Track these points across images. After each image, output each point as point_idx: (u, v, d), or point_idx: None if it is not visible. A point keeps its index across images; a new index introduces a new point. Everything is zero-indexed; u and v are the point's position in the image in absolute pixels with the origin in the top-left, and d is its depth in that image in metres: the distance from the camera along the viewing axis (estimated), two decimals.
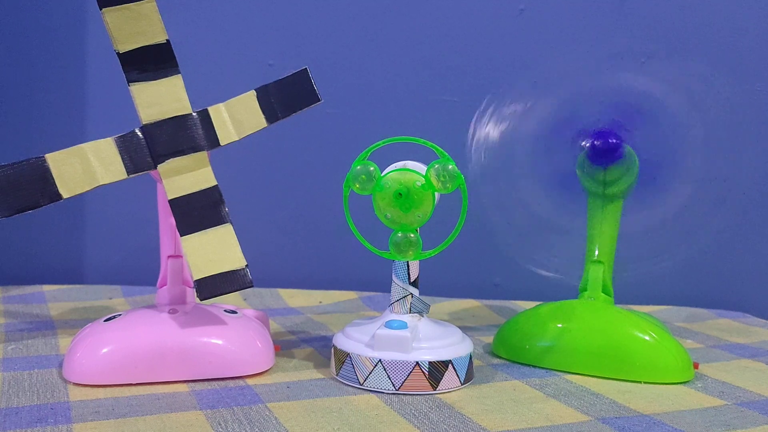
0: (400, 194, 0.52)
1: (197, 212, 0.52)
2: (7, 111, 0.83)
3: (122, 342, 0.52)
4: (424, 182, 0.52)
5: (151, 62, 0.52)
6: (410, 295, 0.55)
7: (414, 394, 0.51)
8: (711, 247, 0.87)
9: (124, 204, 0.85)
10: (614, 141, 0.59)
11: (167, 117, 0.53)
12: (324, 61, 0.86)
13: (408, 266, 0.55)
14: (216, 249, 0.52)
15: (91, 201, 0.85)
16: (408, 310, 0.55)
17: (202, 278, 0.51)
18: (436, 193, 0.52)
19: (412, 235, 0.53)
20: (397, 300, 0.55)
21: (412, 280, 0.55)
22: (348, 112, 0.86)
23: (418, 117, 0.86)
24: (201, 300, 0.51)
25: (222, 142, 0.54)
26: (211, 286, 0.51)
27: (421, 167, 0.53)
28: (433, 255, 0.54)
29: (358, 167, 0.53)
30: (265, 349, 0.56)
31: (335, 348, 0.55)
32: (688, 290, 0.89)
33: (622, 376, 0.57)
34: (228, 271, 0.51)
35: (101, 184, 0.51)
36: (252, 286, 0.51)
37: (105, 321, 0.54)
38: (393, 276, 0.55)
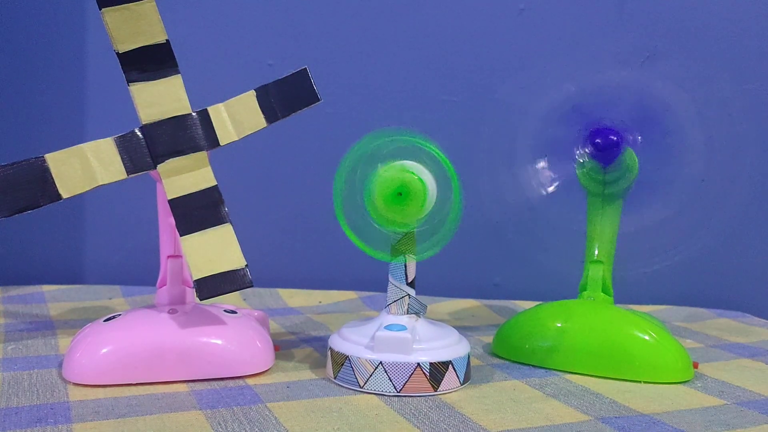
0: (400, 193, 0.51)
1: (197, 212, 0.52)
2: (7, 111, 0.83)
3: (122, 342, 0.52)
4: (416, 178, 0.51)
5: (151, 62, 0.52)
6: (407, 296, 0.55)
7: (415, 396, 0.51)
8: (711, 246, 0.87)
9: (124, 204, 0.85)
10: (615, 138, 0.59)
11: (167, 117, 0.53)
12: (324, 61, 0.86)
13: (405, 267, 0.55)
14: (216, 249, 0.51)
15: (91, 201, 0.85)
16: (406, 311, 0.55)
17: (202, 278, 0.51)
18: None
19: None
20: (395, 301, 0.55)
21: (409, 281, 0.55)
22: (348, 111, 0.86)
23: (418, 117, 0.86)
24: (201, 300, 0.51)
25: (222, 142, 0.54)
26: (211, 286, 0.51)
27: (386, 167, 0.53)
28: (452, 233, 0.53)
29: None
30: (265, 349, 0.56)
31: (332, 350, 0.54)
32: (688, 290, 0.89)
33: (621, 375, 0.57)
34: (228, 271, 0.51)
35: (101, 184, 0.51)
36: (252, 286, 0.51)
37: (105, 321, 0.54)
38: (389, 277, 0.55)
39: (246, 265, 0.52)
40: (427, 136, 0.54)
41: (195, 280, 0.51)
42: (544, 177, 0.63)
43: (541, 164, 0.63)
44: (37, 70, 0.83)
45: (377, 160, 0.53)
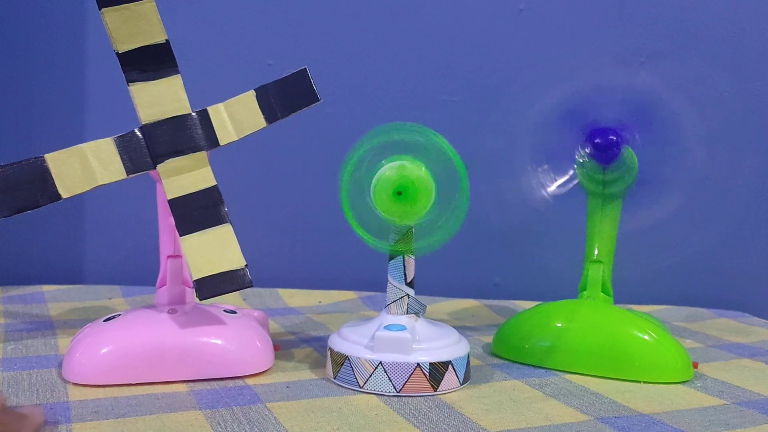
0: (399, 193, 0.51)
1: (197, 212, 0.52)
2: (7, 111, 0.83)
3: (122, 342, 0.52)
4: (416, 177, 0.51)
5: (151, 62, 0.52)
6: (407, 296, 0.55)
7: (415, 396, 0.51)
8: (711, 246, 0.87)
9: (124, 204, 0.85)
10: (614, 138, 0.59)
11: (167, 117, 0.53)
12: (324, 61, 0.86)
13: (404, 267, 0.54)
14: (215, 249, 0.51)
15: (91, 201, 0.85)
16: (405, 311, 0.55)
17: (202, 278, 0.51)
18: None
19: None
20: (394, 301, 0.55)
21: (408, 281, 0.55)
22: (347, 111, 0.86)
23: (417, 117, 0.86)
24: (200, 300, 0.51)
25: (221, 142, 0.54)
26: (211, 286, 0.51)
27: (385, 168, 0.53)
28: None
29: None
30: (265, 349, 0.56)
31: (332, 350, 0.54)
32: (688, 290, 0.89)
33: (621, 375, 0.57)
34: (227, 271, 0.51)
35: (100, 184, 0.51)
36: (251, 286, 0.51)
37: (104, 321, 0.54)
38: (389, 277, 0.55)
39: (246, 265, 0.52)
40: (433, 131, 0.54)
41: (195, 280, 0.51)
42: (545, 178, 0.63)
43: (542, 165, 0.63)
44: (37, 70, 0.83)
45: (384, 155, 0.53)
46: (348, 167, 0.53)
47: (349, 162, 0.53)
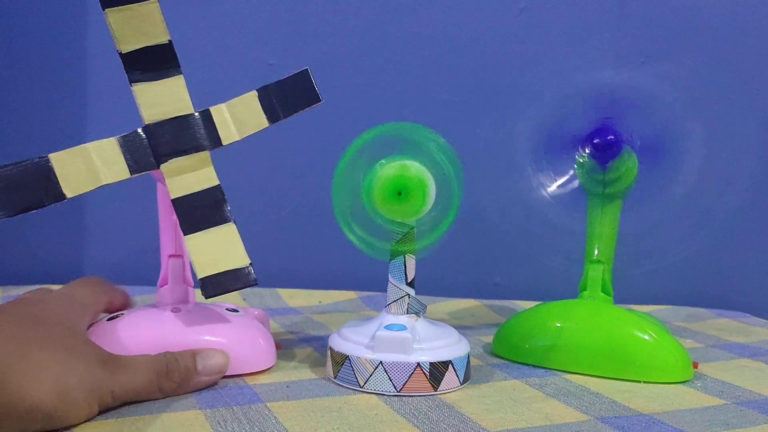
0: (399, 192, 0.52)
1: (200, 211, 0.52)
2: (8, 111, 0.83)
3: (127, 341, 0.52)
4: (416, 177, 0.51)
5: (154, 63, 0.52)
6: (407, 296, 0.55)
7: (415, 396, 0.52)
8: (711, 246, 0.87)
9: (124, 204, 0.85)
10: (613, 138, 0.59)
11: (169, 117, 0.53)
12: (324, 61, 0.86)
13: (405, 266, 0.55)
14: (220, 247, 0.52)
15: (91, 201, 0.85)
16: (405, 311, 0.55)
17: (207, 276, 0.51)
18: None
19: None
20: (395, 301, 0.55)
21: (409, 281, 0.55)
22: (348, 111, 0.86)
23: (418, 117, 0.86)
24: (207, 298, 0.51)
25: (224, 142, 0.54)
26: (216, 285, 0.51)
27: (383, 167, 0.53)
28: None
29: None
30: (268, 347, 0.56)
31: (332, 350, 0.55)
32: (688, 290, 0.89)
33: (621, 375, 0.57)
34: (232, 269, 0.51)
35: (104, 183, 0.51)
36: (256, 284, 0.51)
37: (108, 320, 0.54)
38: (389, 276, 0.55)
39: (250, 263, 0.52)
40: (430, 130, 0.54)
41: (200, 279, 0.51)
42: (545, 178, 0.63)
43: (542, 165, 0.63)
44: (38, 70, 0.83)
45: (383, 155, 0.53)
46: (342, 167, 0.53)
47: (344, 161, 0.53)
